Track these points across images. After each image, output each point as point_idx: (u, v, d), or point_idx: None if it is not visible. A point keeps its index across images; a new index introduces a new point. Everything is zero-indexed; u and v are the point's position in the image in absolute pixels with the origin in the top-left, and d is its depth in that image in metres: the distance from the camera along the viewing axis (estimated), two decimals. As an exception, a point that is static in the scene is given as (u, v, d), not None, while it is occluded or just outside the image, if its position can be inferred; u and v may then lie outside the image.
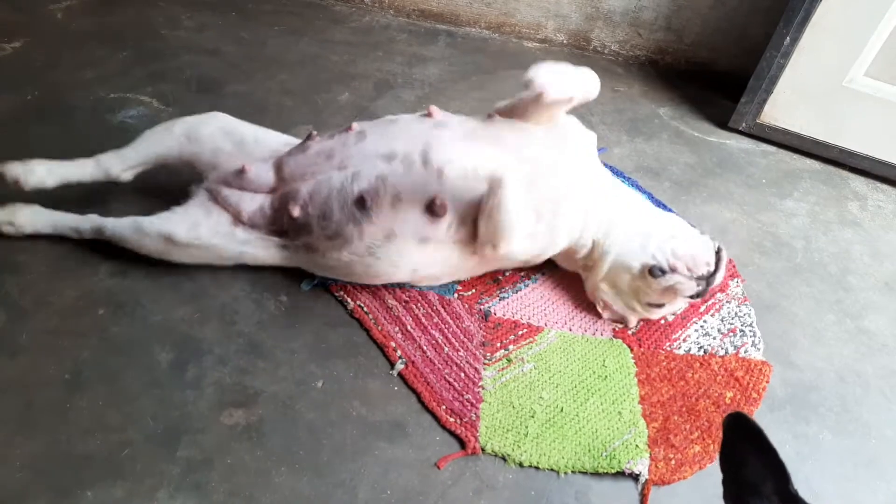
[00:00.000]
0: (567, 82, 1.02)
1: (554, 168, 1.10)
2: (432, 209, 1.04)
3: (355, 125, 1.13)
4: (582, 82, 1.04)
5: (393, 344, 1.12)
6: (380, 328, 1.14)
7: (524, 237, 1.07)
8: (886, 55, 1.59)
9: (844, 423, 1.11)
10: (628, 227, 1.15)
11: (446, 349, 1.12)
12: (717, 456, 1.03)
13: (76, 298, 1.12)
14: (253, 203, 1.13)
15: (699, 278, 1.09)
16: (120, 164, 1.20)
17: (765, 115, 1.79)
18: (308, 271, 1.20)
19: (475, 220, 1.06)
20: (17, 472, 0.89)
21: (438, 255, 1.11)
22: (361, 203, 1.05)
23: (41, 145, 1.42)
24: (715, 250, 1.11)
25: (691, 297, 1.13)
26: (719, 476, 0.99)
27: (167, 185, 1.23)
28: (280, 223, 1.12)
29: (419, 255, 1.09)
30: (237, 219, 1.12)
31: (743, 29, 1.97)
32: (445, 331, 1.15)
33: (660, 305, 1.16)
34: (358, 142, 1.09)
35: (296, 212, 1.08)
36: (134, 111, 1.56)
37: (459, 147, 1.06)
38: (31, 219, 1.17)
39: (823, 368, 1.20)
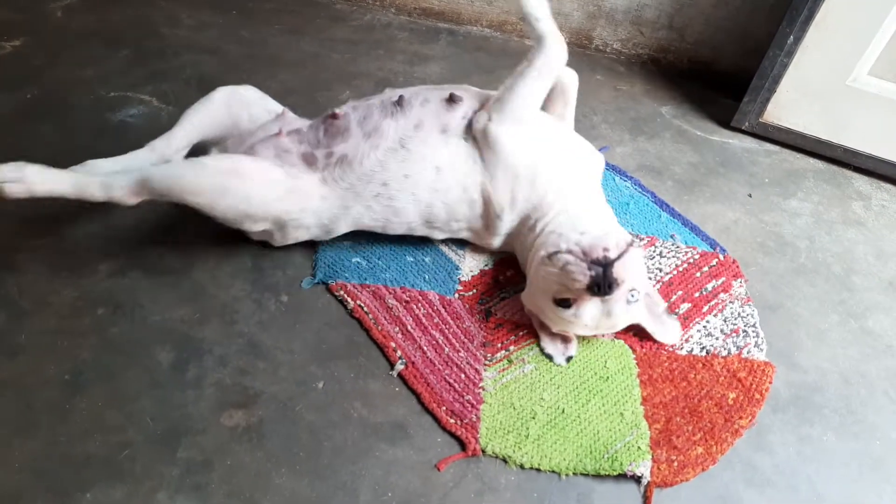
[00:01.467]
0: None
1: (562, 141, 1.25)
2: (451, 98, 1.19)
3: (388, 90, 1.27)
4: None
5: (393, 344, 1.11)
6: (380, 328, 1.14)
7: (516, 134, 1.17)
8: (890, 54, 1.58)
9: (849, 424, 1.10)
10: (572, 222, 1.13)
11: (447, 350, 1.12)
12: (719, 458, 1.03)
13: (75, 298, 1.12)
14: (293, 124, 1.21)
15: (593, 261, 1.02)
16: (170, 146, 1.22)
17: (768, 115, 1.78)
18: (311, 269, 1.19)
19: None
20: (15, 473, 0.89)
21: (455, 154, 1.17)
22: (399, 102, 1.18)
23: (41, 144, 1.42)
24: (628, 242, 1.05)
25: (590, 289, 1.02)
26: (722, 478, 0.99)
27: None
28: (316, 136, 1.17)
29: (442, 149, 1.17)
30: (277, 132, 1.18)
31: (745, 28, 1.96)
32: (446, 331, 1.15)
33: (565, 303, 1.07)
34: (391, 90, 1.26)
35: (339, 110, 1.18)
36: (134, 110, 1.56)
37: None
38: (43, 175, 1.04)
39: (827, 369, 1.19)
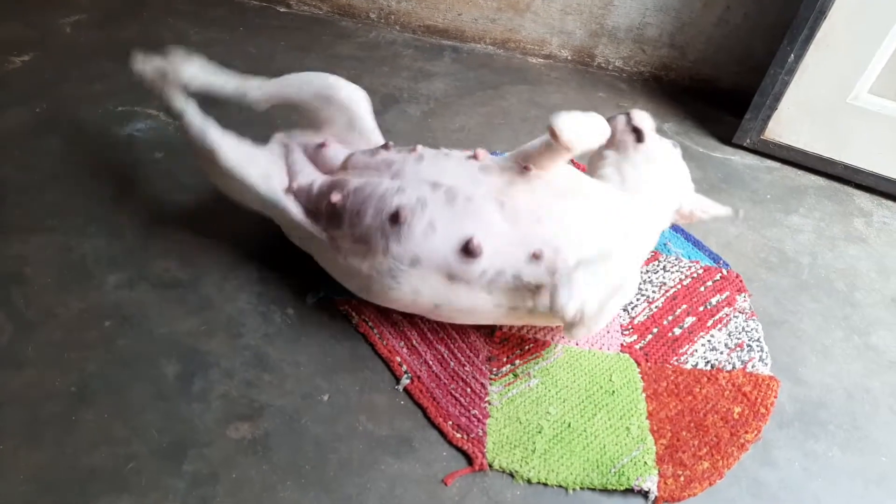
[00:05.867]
0: (588, 133, 1.00)
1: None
2: (467, 248, 0.99)
3: (419, 147, 1.13)
4: (599, 132, 1.03)
5: (398, 359, 1.11)
6: (385, 343, 1.14)
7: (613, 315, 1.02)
8: (891, 72, 1.60)
9: (854, 440, 1.10)
10: None
11: (452, 364, 1.12)
12: (725, 472, 1.03)
13: (82, 311, 1.12)
14: (307, 178, 1.16)
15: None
16: (259, 92, 1.23)
17: (769, 132, 1.79)
18: (316, 284, 1.19)
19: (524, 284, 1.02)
20: (20, 485, 0.88)
21: (467, 298, 1.03)
22: (395, 218, 1.01)
23: (49, 157, 1.43)
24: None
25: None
26: (729, 493, 0.99)
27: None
28: (319, 207, 1.11)
29: (445, 292, 1.03)
30: (289, 185, 1.16)
31: (746, 46, 1.99)
32: (451, 345, 1.15)
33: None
34: (417, 162, 1.09)
35: (335, 198, 1.07)
36: (142, 124, 1.57)
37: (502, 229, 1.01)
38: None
39: (832, 385, 1.19)
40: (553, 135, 0.97)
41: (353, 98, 1.24)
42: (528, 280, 1.01)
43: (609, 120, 1.13)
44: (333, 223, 1.09)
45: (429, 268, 1.01)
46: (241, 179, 1.13)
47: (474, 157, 1.10)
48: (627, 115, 1.21)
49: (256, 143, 1.22)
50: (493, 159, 1.11)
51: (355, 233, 1.05)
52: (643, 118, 1.21)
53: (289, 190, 1.15)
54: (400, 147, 1.17)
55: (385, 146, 1.16)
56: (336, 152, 1.21)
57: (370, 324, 1.16)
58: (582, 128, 0.99)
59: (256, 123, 1.35)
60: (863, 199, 1.72)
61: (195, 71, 1.19)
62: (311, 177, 1.17)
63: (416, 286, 1.04)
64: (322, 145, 1.22)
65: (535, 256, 0.99)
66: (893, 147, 1.67)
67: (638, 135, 1.19)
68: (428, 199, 1.02)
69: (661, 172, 1.20)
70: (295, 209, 1.13)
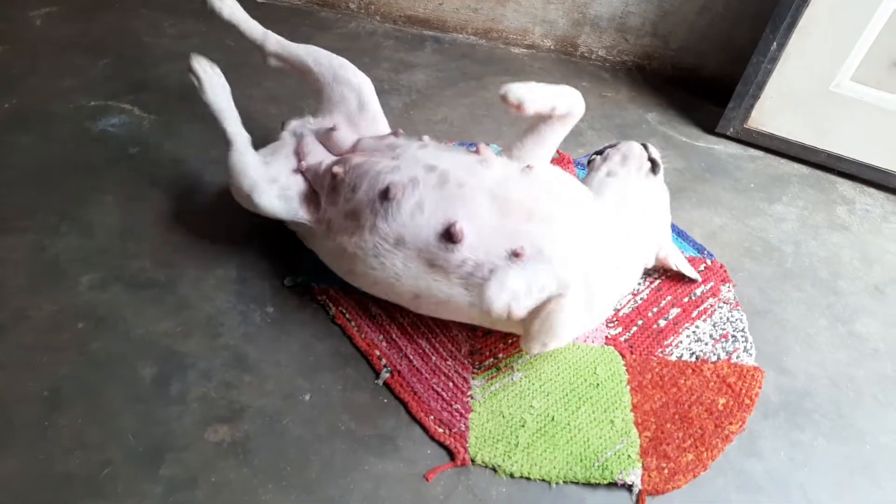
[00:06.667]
0: (540, 96, 1.06)
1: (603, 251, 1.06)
2: (449, 234, 0.99)
3: (426, 138, 1.17)
4: (557, 94, 1.08)
5: (377, 352, 1.10)
6: (363, 336, 1.12)
7: (577, 332, 1.04)
8: (872, 60, 1.60)
9: (839, 429, 1.11)
10: None
11: (434, 358, 1.10)
12: (710, 464, 1.03)
13: (55, 312, 1.09)
14: (316, 158, 1.20)
15: None
16: (277, 46, 1.31)
17: (752, 121, 1.79)
18: (295, 269, 1.17)
19: None
20: (-8, 493, 0.86)
21: (444, 290, 1.03)
22: (385, 194, 1.03)
23: (20, 153, 1.39)
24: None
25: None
26: (714, 485, 0.99)
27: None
28: (324, 182, 1.14)
29: (423, 280, 1.03)
30: (299, 162, 1.20)
31: (729, 35, 1.98)
32: (432, 339, 1.14)
33: None
34: (419, 149, 1.12)
35: (337, 169, 1.11)
36: (115, 119, 1.53)
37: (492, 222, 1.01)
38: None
39: (816, 374, 1.20)
40: (503, 99, 1.05)
41: (362, 84, 1.30)
42: None
43: (626, 143, 1.24)
44: (331, 197, 1.11)
45: (411, 250, 1.02)
46: (258, 205, 1.14)
47: (476, 151, 1.12)
48: (645, 145, 1.24)
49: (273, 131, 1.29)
50: (495, 156, 1.12)
51: (347, 207, 1.07)
52: (658, 154, 1.24)
53: (297, 169, 1.19)
54: (409, 136, 1.20)
55: (395, 133, 1.21)
56: (346, 136, 1.24)
57: (347, 316, 1.14)
58: (529, 92, 1.05)
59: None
60: (845, 187, 1.72)
61: (228, 4, 1.29)
62: (321, 157, 1.21)
63: (398, 270, 1.04)
64: (333, 129, 1.24)
65: (516, 255, 0.97)
66: (875, 135, 1.67)
67: (654, 166, 1.22)
68: (420, 179, 1.04)
69: (658, 209, 1.24)
70: (301, 219, 1.15)
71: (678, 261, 1.29)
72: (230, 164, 1.14)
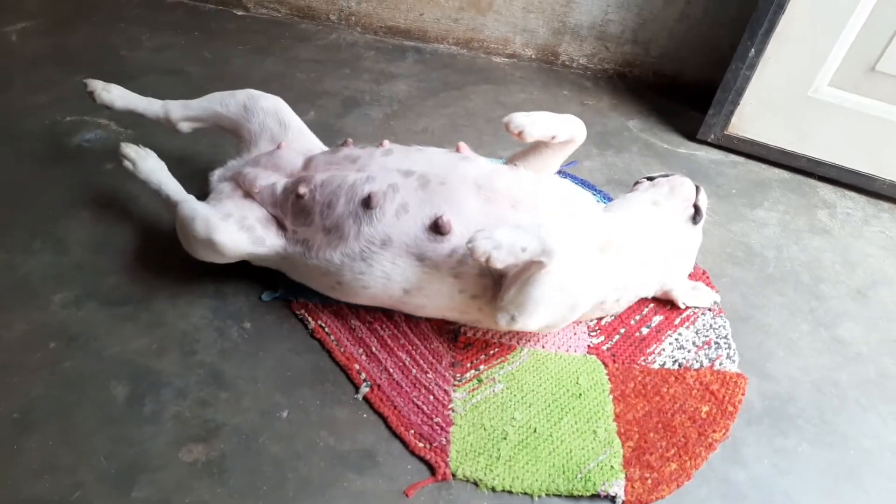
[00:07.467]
0: (542, 125, 1.06)
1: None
2: (436, 226, 1.02)
3: (386, 143, 1.16)
4: (558, 122, 1.08)
5: (357, 366, 1.08)
6: (342, 350, 1.10)
7: (547, 316, 1.02)
8: (849, 65, 1.61)
9: (823, 434, 1.10)
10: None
11: (414, 371, 1.09)
12: (693, 473, 1.02)
13: (26, 332, 1.07)
14: (268, 179, 1.15)
15: None
16: (181, 112, 1.28)
17: (732, 127, 1.79)
18: (274, 283, 1.16)
19: (489, 271, 1.03)
20: (-42, 521, 0.84)
21: (433, 283, 1.05)
22: (367, 203, 1.04)
23: (-9, 171, 1.37)
24: None
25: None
26: (698, 494, 0.98)
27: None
28: (285, 206, 1.11)
29: (413, 274, 1.04)
30: (249, 193, 1.15)
31: (708, 41, 1.99)
32: (413, 352, 1.12)
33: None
34: (383, 156, 1.12)
35: (303, 190, 1.08)
36: (91, 134, 1.51)
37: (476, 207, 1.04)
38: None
39: (799, 379, 1.19)
40: (506, 127, 1.05)
41: (276, 104, 1.28)
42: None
43: (680, 178, 1.21)
44: (301, 218, 1.09)
45: (400, 247, 1.03)
46: (220, 244, 1.08)
47: (456, 150, 1.14)
48: (698, 187, 1.22)
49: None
50: (477, 154, 1.14)
51: (327, 223, 1.06)
52: (705, 204, 1.23)
53: (247, 195, 1.15)
54: (363, 144, 1.18)
55: (344, 143, 1.19)
56: (292, 155, 1.19)
57: (327, 330, 1.13)
58: (531, 122, 1.05)
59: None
60: (826, 191, 1.73)
61: (115, 95, 1.28)
62: (271, 178, 1.15)
63: (387, 270, 1.04)
64: (277, 148, 1.21)
65: None
66: (854, 139, 1.68)
67: (696, 213, 1.20)
68: (400, 184, 1.05)
69: (684, 255, 1.24)
70: (269, 246, 1.11)
71: (686, 300, 1.27)
72: (181, 218, 1.10)
